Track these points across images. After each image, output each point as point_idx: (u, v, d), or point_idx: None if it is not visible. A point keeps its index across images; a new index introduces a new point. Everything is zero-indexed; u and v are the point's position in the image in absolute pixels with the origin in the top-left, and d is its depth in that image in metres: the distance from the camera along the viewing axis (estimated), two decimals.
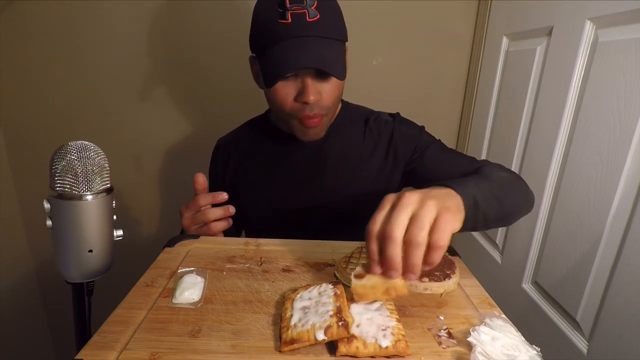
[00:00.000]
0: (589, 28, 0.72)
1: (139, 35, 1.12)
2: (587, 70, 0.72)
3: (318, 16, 0.62)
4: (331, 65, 0.63)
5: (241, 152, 0.85)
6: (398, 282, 0.43)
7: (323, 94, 0.68)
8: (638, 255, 0.59)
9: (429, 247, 0.40)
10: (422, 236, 0.39)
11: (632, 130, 0.61)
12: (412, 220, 0.40)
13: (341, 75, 0.65)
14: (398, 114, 0.82)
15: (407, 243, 0.40)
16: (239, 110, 0.99)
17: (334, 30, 0.66)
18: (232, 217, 0.87)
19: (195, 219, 0.68)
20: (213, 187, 0.89)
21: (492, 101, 1.08)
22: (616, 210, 0.64)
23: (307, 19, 0.62)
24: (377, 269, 0.42)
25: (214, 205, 0.69)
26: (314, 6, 0.62)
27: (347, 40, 0.70)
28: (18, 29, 1.10)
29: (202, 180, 0.69)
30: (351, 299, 0.45)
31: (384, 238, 0.41)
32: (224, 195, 0.67)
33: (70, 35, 1.11)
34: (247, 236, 0.90)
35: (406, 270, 0.41)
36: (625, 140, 0.62)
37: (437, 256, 0.40)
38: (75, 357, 0.38)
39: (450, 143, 1.27)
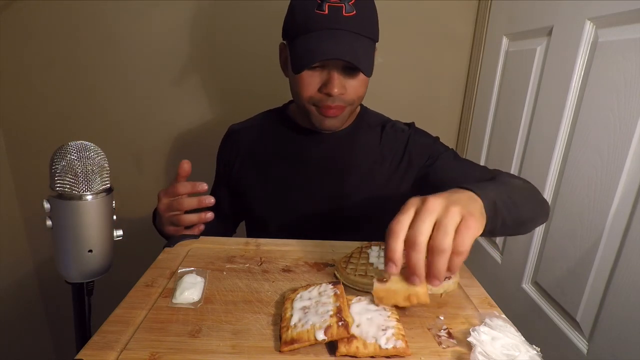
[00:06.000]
0: (589, 28, 0.72)
1: (139, 35, 1.12)
2: (587, 70, 0.72)
3: (354, 12, 0.64)
4: (360, 60, 0.64)
5: (254, 141, 0.84)
6: (420, 290, 0.42)
7: (348, 88, 0.69)
8: (638, 255, 0.59)
9: (452, 253, 0.40)
10: (447, 243, 0.39)
11: (632, 130, 0.61)
12: (437, 226, 0.40)
13: (368, 72, 0.66)
14: (413, 123, 0.83)
15: (431, 249, 0.39)
16: (239, 110, 0.99)
17: (367, 28, 0.67)
18: (235, 207, 0.88)
19: (171, 206, 0.67)
20: (218, 174, 0.89)
21: (492, 101, 1.08)
22: (616, 210, 0.64)
23: (344, 13, 0.63)
24: (394, 268, 0.41)
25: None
26: (352, 2, 0.63)
27: (377, 41, 0.71)
28: (18, 29, 1.10)
29: (187, 167, 0.67)
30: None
31: (408, 244, 0.40)
32: (203, 186, 0.65)
33: (70, 35, 1.11)
34: (248, 232, 0.90)
35: (429, 276, 0.41)
36: (625, 140, 0.62)
37: (460, 261, 0.40)
38: (75, 357, 0.38)
39: (450, 143, 1.27)
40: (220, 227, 0.88)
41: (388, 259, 0.41)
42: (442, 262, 0.39)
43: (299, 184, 0.80)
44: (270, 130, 0.84)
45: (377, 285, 0.44)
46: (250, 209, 0.84)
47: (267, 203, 0.82)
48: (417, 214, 0.41)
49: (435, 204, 0.41)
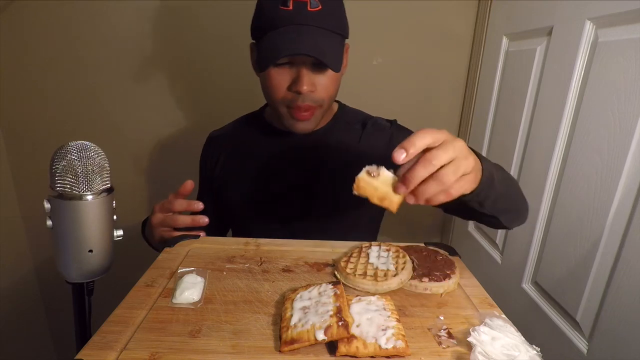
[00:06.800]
0: (589, 28, 0.72)
1: (139, 36, 1.12)
2: (587, 70, 0.72)
3: (320, 7, 0.63)
4: (326, 56, 0.63)
5: (233, 147, 0.84)
6: (395, 198, 0.45)
7: (317, 85, 0.67)
8: (638, 255, 0.59)
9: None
10: (451, 180, 0.42)
11: (632, 130, 0.61)
12: (452, 163, 0.42)
13: (335, 68, 0.64)
14: (395, 120, 0.82)
15: (435, 177, 0.42)
16: (239, 110, 0.99)
17: (333, 23, 0.66)
18: (220, 213, 0.87)
19: (165, 221, 0.68)
20: (201, 181, 0.89)
21: (492, 101, 1.08)
22: (616, 210, 0.64)
23: (308, 8, 0.62)
24: (403, 155, 0.42)
25: (195, 213, 0.69)
26: None
27: (347, 37, 0.70)
28: (18, 29, 1.10)
29: (189, 187, 0.69)
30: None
31: (422, 159, 0.42)
32: (199, 205, 0.66)
33: (70, 35, 1.11)
34: (234, 236, 0.90)
35: (413, 192, 0.44)
36: (625, 140, 0.62)
37: (441, 199, 0.44)
38: (75, 357, 0.38)
39: None
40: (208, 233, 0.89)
41: (402, 146, 0.42)
42: (434, 191, 0.43)
43: (276, 187, 0.79)
44: (247, 134, 0.84)
45: (363, 174, 0.46)
46: (231, 214, 0.84)
47: (247, 207, 0.81)
48: (444, 142, 0.43)
49: (464, 147, 0.44)
